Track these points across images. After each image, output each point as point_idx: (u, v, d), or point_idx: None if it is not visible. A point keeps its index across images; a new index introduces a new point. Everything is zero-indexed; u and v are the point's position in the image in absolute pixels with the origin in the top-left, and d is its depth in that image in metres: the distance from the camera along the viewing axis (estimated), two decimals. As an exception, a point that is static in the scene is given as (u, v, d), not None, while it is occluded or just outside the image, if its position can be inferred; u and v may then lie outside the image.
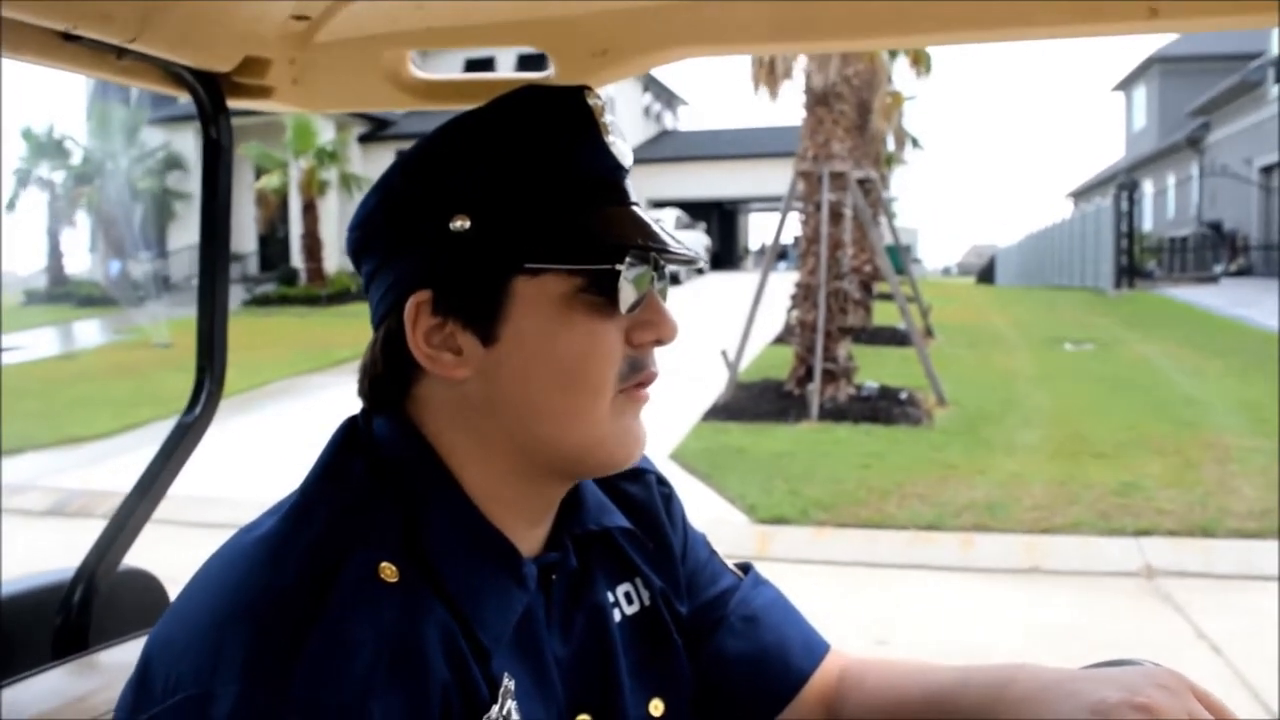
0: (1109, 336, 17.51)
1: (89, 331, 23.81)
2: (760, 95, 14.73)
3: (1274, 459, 8.55)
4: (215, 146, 1.60)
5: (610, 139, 0.99)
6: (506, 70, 1.79)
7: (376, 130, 34.77)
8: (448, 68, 1.53)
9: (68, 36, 1.24)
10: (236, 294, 28.25)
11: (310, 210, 28.99)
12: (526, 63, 1.46)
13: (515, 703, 0.94)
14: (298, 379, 15.09)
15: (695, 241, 31.60)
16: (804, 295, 11.83)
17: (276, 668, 0.82)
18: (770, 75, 14.17)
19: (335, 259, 30.46)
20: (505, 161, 0.96)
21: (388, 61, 1.54)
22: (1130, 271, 26.45)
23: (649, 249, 0.97)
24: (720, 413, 10.84)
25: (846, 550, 6.95)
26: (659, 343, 1.01)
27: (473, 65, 27.90)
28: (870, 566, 6.73)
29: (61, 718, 1.47)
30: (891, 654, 5.04)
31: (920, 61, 19.34)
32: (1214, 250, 28.01)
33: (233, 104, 1.57)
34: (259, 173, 29.09)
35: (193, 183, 31.98)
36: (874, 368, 13.11)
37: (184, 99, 1.57)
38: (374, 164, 30.97)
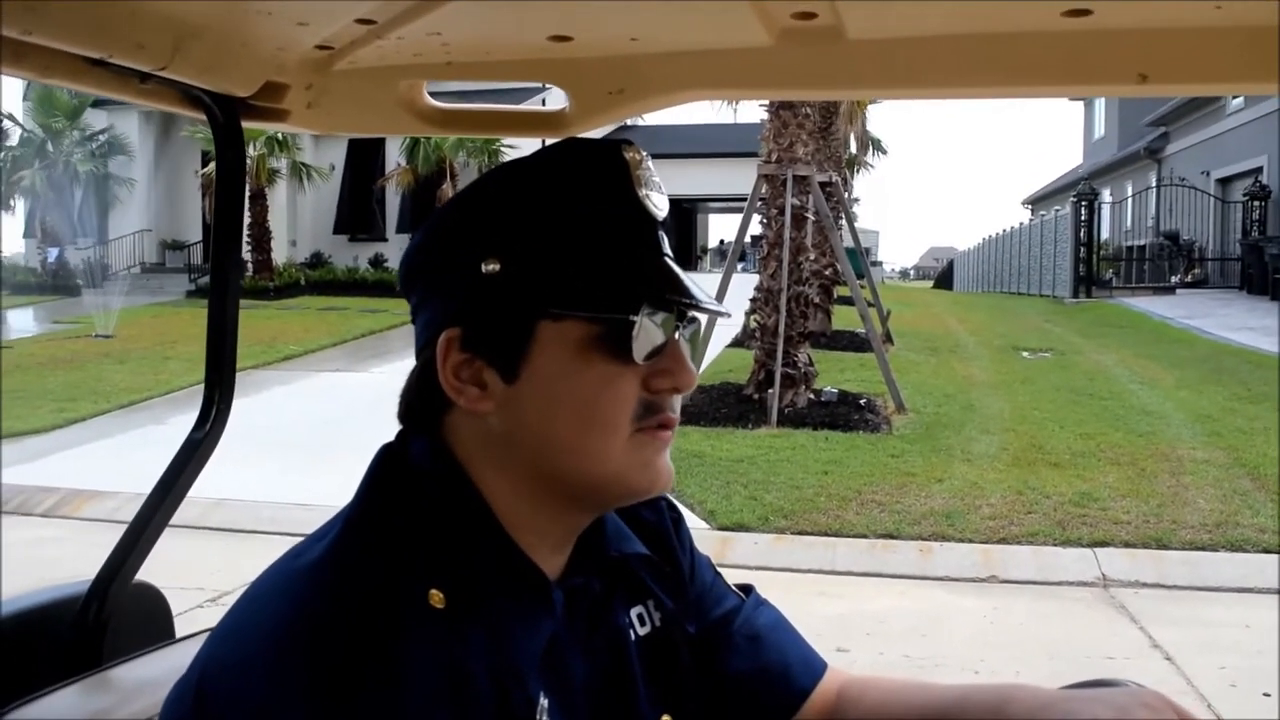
0: (1066, 345, 17.66)
1: (25, 321, 23.33)
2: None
3: (1225, 471, 8.67)
4: (229, 166, 1.64)
5: (643, 192, 1.03)
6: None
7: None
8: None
9: (96, 62, 1.28)
10: (180, 284, 27.56)
11: (259, 199, 27.84)
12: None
13: None
14: (246, 374, 14.84)
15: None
16: (765, 299, 11.83)
17: (341, 695, 0.86)
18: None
19: (284, 250, 29.62)
20: (536, 210, 1.01)
21: (403, 90, 1.59)
22: (1088, 280, 26.66)
23: (669, 300, 1.01)
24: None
25: (806, 558, 7.00)
26: (676, 390, 1.05)
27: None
28: (830, 574, 6.77)
29: None
30: (851, 662, 5.09)
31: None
32: (1171, 260, 28.22)
33: (247, 125, 1.62)
34: (205, 159, 28.02)
35: (136, 168, 31.00)
36: (833, 373, 13.17)
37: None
38: (326, 153, 30.09)
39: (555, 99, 1.61)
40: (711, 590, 1.28)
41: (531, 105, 1.60)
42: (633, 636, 1.15)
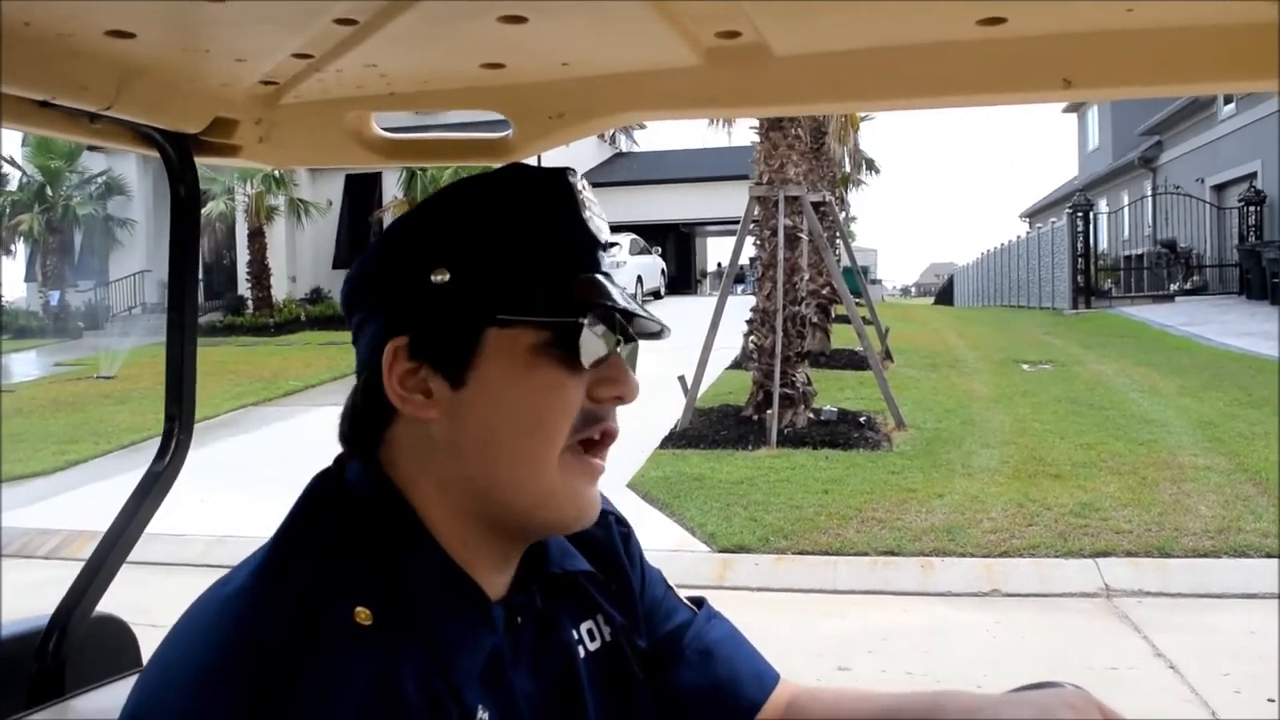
0: (1066, 357, 17.63)
1: (27, 364, 23.37)
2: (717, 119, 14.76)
3: (1227, 477, 8.64)
4: (184, 204, 1.66)
5: (587, 215, 1.08)
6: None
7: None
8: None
9: (44, 104, 1.31)
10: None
11: (258, 237, 28.26)
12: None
13: None
14: (246, 411, 14.96)
15: (651, 266, 31.36)
16: (761, 320, 11.82)
17: None
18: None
19: (284, 287, 29.72)
20: (487, 224, 1.05)
21: (351, 121, 1.62)
22: (1087, 291, 26.67)
23: (613, 310, 1.05)
24: (678, 439, 10.81)
25: (807, 577, 6.98)
26: (620, 400, 1.08)
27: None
28: (831, 593, 6.75)
29: None
30: (853, 680, 5.07)
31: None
32: (1169, 268, 28.18)
33: (200, 162, 1.64)
34: (204, 199, 28.53)
35: (135, 209, 31.20)
36: (833, 391, 13.16)
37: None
38: (323, 188, 30.10)
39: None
40: (662, 605, 1.29)
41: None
42: (581, 652, 1.15)
